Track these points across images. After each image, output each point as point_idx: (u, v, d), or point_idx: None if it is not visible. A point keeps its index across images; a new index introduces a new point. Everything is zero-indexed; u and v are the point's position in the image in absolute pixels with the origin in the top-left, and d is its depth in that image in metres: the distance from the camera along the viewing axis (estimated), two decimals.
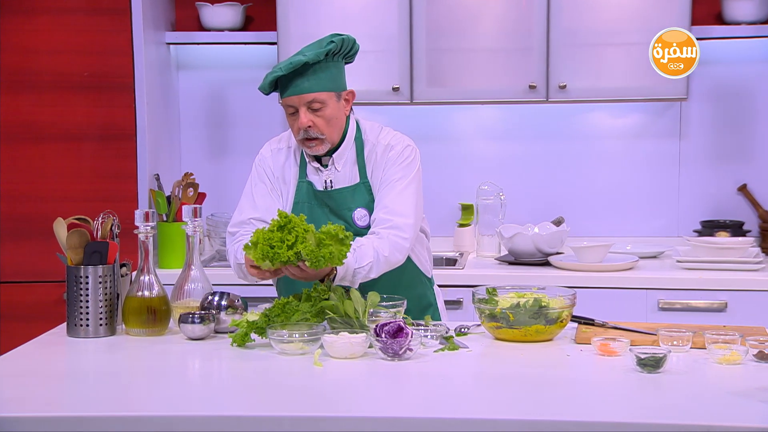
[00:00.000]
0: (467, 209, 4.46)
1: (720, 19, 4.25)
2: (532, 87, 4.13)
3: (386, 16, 4.16)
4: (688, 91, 4.12)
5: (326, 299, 2.67)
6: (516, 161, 4.52)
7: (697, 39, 4.13)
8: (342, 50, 2.89)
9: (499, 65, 4.16)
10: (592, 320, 2.80)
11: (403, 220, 2.89)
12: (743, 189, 4.39)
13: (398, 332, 2.48)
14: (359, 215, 2.96)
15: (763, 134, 4.38)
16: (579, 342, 2.66)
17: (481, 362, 2.56)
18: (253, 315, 2.67)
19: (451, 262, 4.30)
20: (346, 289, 2.72)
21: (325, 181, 2.98)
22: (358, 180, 2.98)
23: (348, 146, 2.99)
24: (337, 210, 2.97)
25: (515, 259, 4.16)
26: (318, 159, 2.99)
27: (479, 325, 2.77)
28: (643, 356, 2.35)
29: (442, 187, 4.50)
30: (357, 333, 2.54)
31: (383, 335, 2.48)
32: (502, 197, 4.37)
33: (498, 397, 2.23)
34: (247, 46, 4.45)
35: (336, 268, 2.74)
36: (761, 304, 3.79)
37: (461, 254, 4.35)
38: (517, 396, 2.24)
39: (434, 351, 2.57)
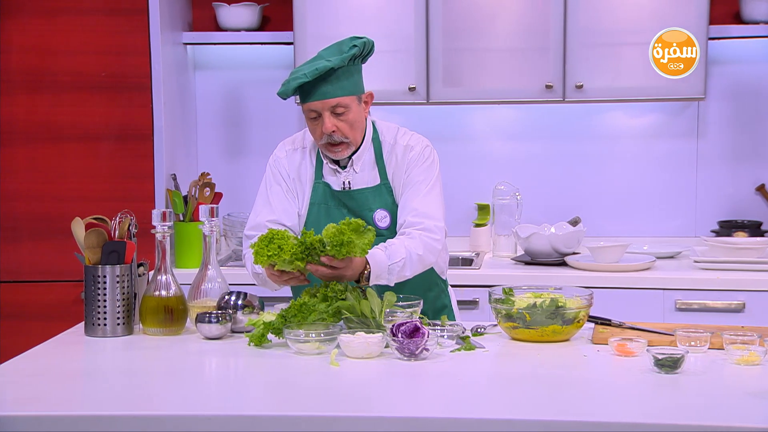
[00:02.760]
0: (483, 209, 4.46)
1: (738, 19, 4.23)
2: (548, 87, 4.12)
3: (402, 16, 4.16)
4: (706, 91, 4.10)
5: (343, 299, 2.67)
6: (532, 161, 4.52)
7: (715, 39, 4.14)
8: (362, 53, 2.90)
9: (516, 65, 4.15)
10: (609, 320, 2.79)
11: (434, 222, 2.92)
12: (761, 189, 4.37)
13: (415, 332, 2.48)
14: (380, 216, 2.98)
15: None
16: (596, 342, 2.65)
17: (497, 362, 2.55)
18: (270, 315, 2.68)
19: (467, 262, 4.30)
20: (363, 290, 2.72)
21: (344, 182, 2.98)
22: (378, 181, 2.99)
23: (366, 148, 2.99)
24: (357, 210, 2.98)
25: (531, 259, 4.15)
26: (335, 160, 3.00)
27: (495, 325, 2.77)
28: (660, 357, 2.34)
29: (458, 187, 4.49)
30: (373, 333, 2.54)
31: (400, 335, 2.48)
32: (518, 197, 4.37)
33: (515, 398, 2.23)
34: (263, 46, 4.46)
35: (368, 264, 2.75)
36: None
37: (477, 254, 4.34)
38: (533, 396, 2.23)
39: (450, 351, 2.57)
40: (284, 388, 2.32)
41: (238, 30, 4.39)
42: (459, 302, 3.90)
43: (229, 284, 2.90)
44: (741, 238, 4.12)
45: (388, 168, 3.00)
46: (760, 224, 4.31)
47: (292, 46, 4.25)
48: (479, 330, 2.78)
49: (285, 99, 2.94)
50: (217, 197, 4.26)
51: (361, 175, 2.99)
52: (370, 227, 2.66)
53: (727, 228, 4.29)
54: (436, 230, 2.92)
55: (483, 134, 4.55)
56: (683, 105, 4.37)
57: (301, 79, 2.84)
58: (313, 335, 2.54)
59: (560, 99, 4.14)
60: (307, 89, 2.87)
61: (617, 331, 2.71)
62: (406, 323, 2.51)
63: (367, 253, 2.66)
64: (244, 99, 4.61)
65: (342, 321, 2.66)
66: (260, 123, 4.60)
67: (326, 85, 2.85)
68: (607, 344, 2.57)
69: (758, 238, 4.10)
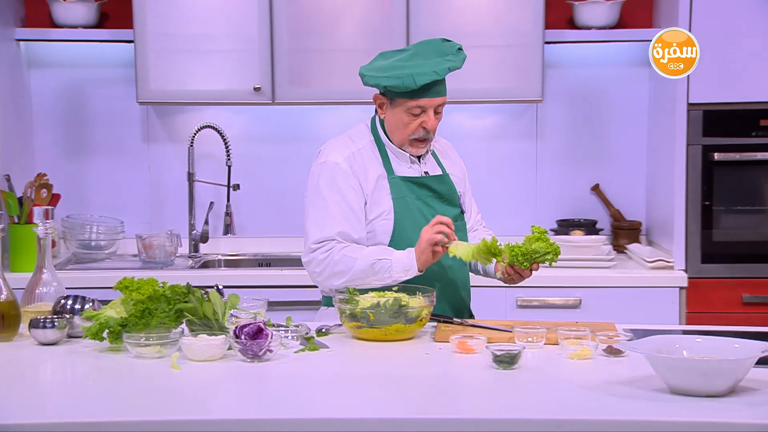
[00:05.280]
0: None
1: (572, 24, 4.37)
2: None
3: (246, 15, 4.12)
4: (543, 93, 4.23)
5: (185, 302, 2.62)
6: None
7: (551, 42, 4.27)
8: None
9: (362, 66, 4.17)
10: (451, 318, 2.84)
11: None
12: (596, 189, 4.53)
13: (258, 333, 2.47)
14: (462, 201, 3.09)
15: (614, 135, 4.53)
16: (438, 340, 2.69)
17: (341, 362, 2.56)
18: (111, 310, 2.60)
19: None
20: (206, 291, 2.68)
21: (423, 171, 3.03)
22: (441, 172, 3.07)
23: None
24: (448, 194, 3.03)
25: None
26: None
27: (340, 325, 2.77)
28: (498, 353, 2.40)
29: (305, 188, 4.48)
30: (216, 335, 2.51)
31: (243, 337, 2.46)
32: None
33: (358, 397, 2.24)
34: (103, 44, 4.34)
35: None
36: (613, 301, 3.92)
37: None
38: (376, 395, 2.25)
39: (295, 352, 2.57)
40: (123, 393, 2.26)
41: (75, 27, 4.25)
42: (306, 302, 3.92)
43: (67, 288, 2.82)
44: (578, 237, 4.26)
45: (444, 161, 3.11)
46: (595, 223, 4.47)
47: (132, 44, 4.15)
48: (323, 330, 2.78)
49: (394, 91, 2.91)
50: (54, 198, 4.13)
51: (429, 166, 3.05)
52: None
53: (565, 227, 4.43)
54: None
55: (331, 135, 4.48)
56: (524, 107, 4.49)
57: (432, 76, 2.87)
58: (154, 338, 2.49)
59: None
60: (425, 86, 2.89)
61: (459, 329, 2.76)
62: (249, 324, 2.49)
63: (556, 259, 2.84)
64: (84, 98, 4.47)
65: (184, 323, 2.61)
66: (101, 122, 4.48)
67: (440, 85, 2.92)
68: (448, 342, 2.61)
69: (593, 236, 4.25)
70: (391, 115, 2.96)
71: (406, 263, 2.83)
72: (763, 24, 3.90)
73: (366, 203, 2.95)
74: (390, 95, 2.94)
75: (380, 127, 3.02)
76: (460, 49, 2.97)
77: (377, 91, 3.00)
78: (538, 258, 2.80)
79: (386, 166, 2.99)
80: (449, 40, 2.99)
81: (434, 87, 2.91)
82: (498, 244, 2.77)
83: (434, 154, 3.10)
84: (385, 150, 3.00)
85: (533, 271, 2.88)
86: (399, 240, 2.91)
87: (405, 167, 3.00)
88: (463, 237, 3.02)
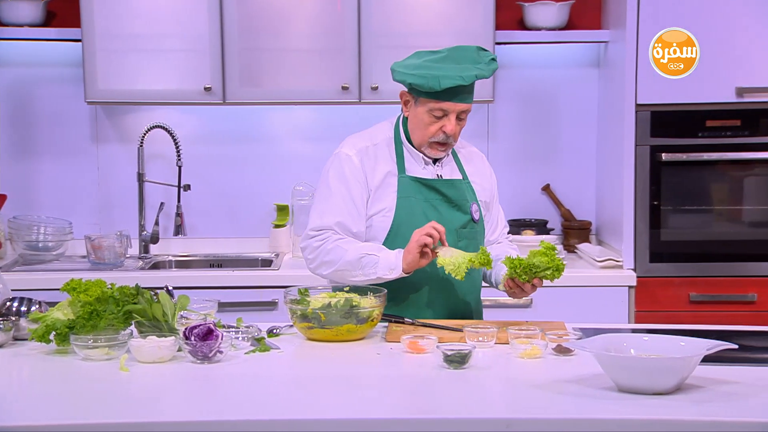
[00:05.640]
0: (282, 210, 4.46)
1: (522, 25, 4.40)
2: (345, 88, 4.16)
3: (196, 14, 4.09)
4: (495, 94, 4.25)
5: (134, 303, 2.60)
6: None
7: (502, 43, 4.29)
8: None
9: (313, 66, 4.17)
10: (402, 319, 2.85)
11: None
12: (547, 189, 4.57)
13: (208, 335, 2.45)
14: (474, 208, 3.03)
15: (564, 136, 4.57)
16: (389, 340, 2.69)
17: (292, 363, 2.56)
18: (58, 312, 2.57)
19: (266, 263, 4.28)
20: (155, 292, 2.66)
21: (437, 174, 3.00)
22: (461, 177, 3.04)
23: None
24: (456, 200, 3.00)
25: None
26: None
27: (291, 326, 2.77)
28: (449, 353, 2.41)
29: (257, 188, 4.48)
30: (166, 336, 2.49)
31: (193, 338, 2.45)
32: None
33: (309, 398, 2.24)
34: (50, 43, 4.29)
35: None
36: (563, 300, 3.95)
37: (277, 255, 4.34)
38: (327, 395, 2.25)
39: (245, 353, 2.56)
40: (71, 396, 2.24)
41: (21, 26, 4.20)
42: (258, 303, 3.91)
43: (13, 290, 2.79)
44: (529, 236, 4.29)
45: (467, 167, 3.08)
46: (546, 223, 4.51)
47: (80, 43, 4.11)
48: (275, 331, 2.77)
49: (419, 90, 2.89)
50: (0, 199, 4.07)
51: (446, 169, 3.03)
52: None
53: (516, 227, 4.45)
54: None
55: (281, 135, 4.54)
56: (475, 107, 4.49)
57: (457, 80, 2.85)
58: (102, 340, 2.46)
59: (356, 100, 4.19)
60: (450, 90, 2.87)
61: (410, 329, 2.76)
62: (199, 326, 2.48)
63: (560, 276, 2.79)
64: (31, 97, 4.42)
65: (133, 325, 2.59)
66: (49, 122, 4.43)
67: (466, 91, 2.90)
68: (400, 342, 2.61)
69: (544, 236, 4.28)
70: (413, 114, 2.97)
71: (392, 262, 2.84)
72: (709, 26, 3.96)
73: (369, 198, 2.96)
74: (415, 94, 2.94)
75: (402, 126, 3.03)
76: (493, 59, 2.96)
77: (400, 90, 3.01)
78: (538, 273, 2.78)
79: (399, 164, 3.00)
80: (485, 49, 2.99)
81: (460, 93, 2.90)
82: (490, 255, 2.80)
83: (457, 160, 3.09)
84: (401, 148, 3.01)
85: (535, 287, 2.84)
86: (395, 239, 2.92)
87: (419, 168, 3.00)
88: (471, 245, 2.96)
